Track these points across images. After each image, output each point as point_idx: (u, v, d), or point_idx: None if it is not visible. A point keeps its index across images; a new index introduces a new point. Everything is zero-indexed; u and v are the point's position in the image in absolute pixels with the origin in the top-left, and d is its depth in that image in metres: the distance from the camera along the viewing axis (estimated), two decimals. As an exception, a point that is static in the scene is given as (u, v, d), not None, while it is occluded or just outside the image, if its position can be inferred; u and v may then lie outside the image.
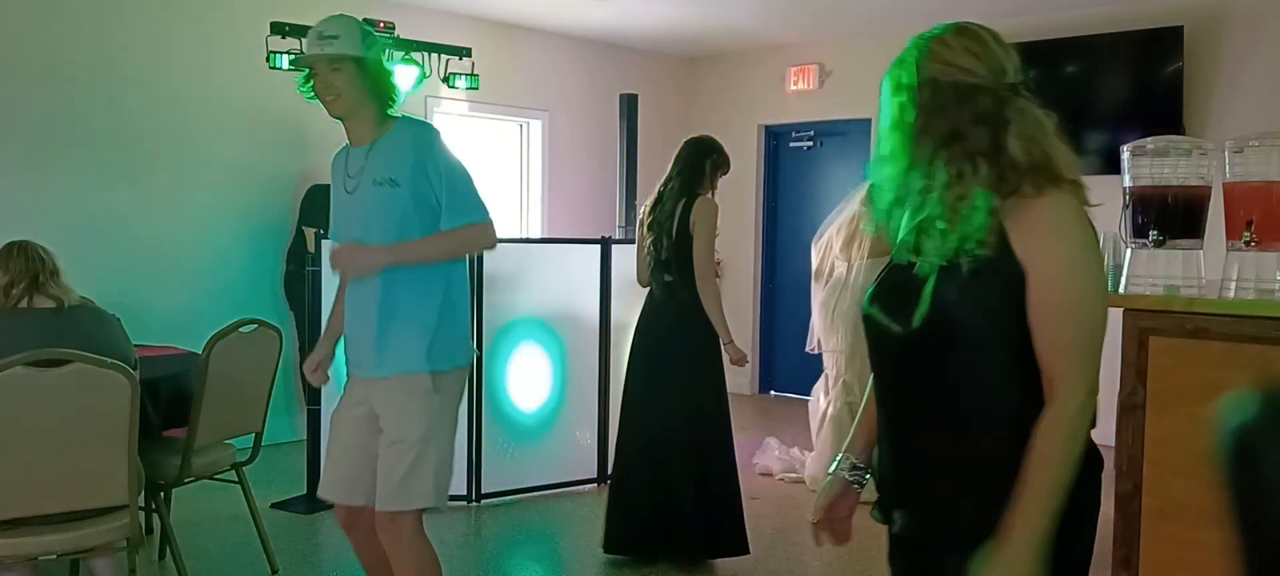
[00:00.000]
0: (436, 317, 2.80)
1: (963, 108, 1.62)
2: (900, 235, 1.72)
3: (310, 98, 2.84)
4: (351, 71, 2.75)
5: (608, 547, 4.31)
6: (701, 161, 4.28)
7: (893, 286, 1.73)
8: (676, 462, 4.18)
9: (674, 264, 4.18)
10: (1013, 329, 1.60)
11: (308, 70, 2.82)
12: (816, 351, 5.53)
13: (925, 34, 1.71)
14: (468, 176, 2.85)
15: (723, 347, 4.22)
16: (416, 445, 2.75)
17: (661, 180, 4.30)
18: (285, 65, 5.30)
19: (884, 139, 1.70)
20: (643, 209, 4.36)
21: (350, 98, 2.77)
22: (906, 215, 1.68)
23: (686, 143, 4.35)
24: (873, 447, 1.88)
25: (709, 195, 4.26)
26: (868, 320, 1.76)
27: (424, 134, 2.84)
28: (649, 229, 4.25)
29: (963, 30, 1.68)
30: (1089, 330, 1.58)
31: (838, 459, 1.92)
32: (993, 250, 1.58)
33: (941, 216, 1.61)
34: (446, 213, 2.79)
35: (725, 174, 4.39)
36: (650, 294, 4.33)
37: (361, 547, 2.97)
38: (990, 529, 1.59)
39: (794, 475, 5.54)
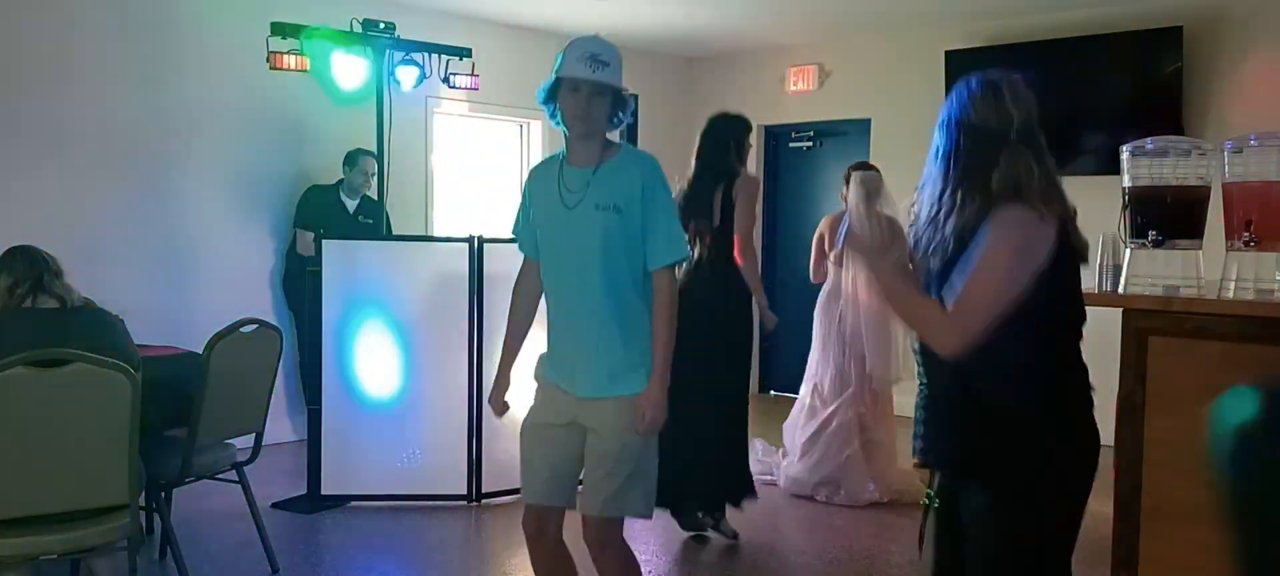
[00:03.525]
0: (649, 346, 2.89)
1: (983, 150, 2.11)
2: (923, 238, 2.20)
3: (552, 116, 2.82)
4: (610, 101, 2.80)
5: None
6: (723, 143, 4.43)
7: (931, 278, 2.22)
8: (708, 428, 4.38)
9: (716, 245, 4.34)
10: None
11: (553, 83, 2.78)
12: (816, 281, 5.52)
13: (965, 85, 2.19)
14: (675, 210, 2.95)
15: (761, 313, 4.42)
16: (633, 462, 2.85)
17: (691, 174, 4.42)
18: (289, 65, 5.30)
19: (929, 164, 2.21)
20: (675, 192, 4.48)
21: (599, 125, 2.80)
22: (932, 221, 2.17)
23: (701, 134, 4.48)
24: None
25: (745, 169, 4.43)
26: None
27: (652, 166, 2.88)
28: (683, 211, 4.34)
29: (991, 85, 2.14)
30: (986, 294, 2.06)
31: None
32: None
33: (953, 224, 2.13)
34: (661, 248, 2.85)
35: (750, 133, 4.53)
36: (687, 274, 4.42)
37: (543, 553, 3.01)
38: (987, 472, 2.13)
39: (769, 477, 5.51)
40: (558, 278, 2.91)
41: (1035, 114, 2.15)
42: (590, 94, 2.76)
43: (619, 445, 2.83)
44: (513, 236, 3.08)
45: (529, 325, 3.11)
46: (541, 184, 2.95)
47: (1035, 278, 2.04)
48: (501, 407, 3.11)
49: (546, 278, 2.96)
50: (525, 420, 3.00)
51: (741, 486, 4.59)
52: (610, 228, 2.79)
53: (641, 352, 2.87)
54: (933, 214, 2.17)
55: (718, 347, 4.40)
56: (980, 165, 2.11)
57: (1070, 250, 2.11)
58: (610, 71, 2.78)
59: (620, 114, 2.85)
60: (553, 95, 2.82)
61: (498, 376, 3.12)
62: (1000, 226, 2.07)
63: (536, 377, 3.01)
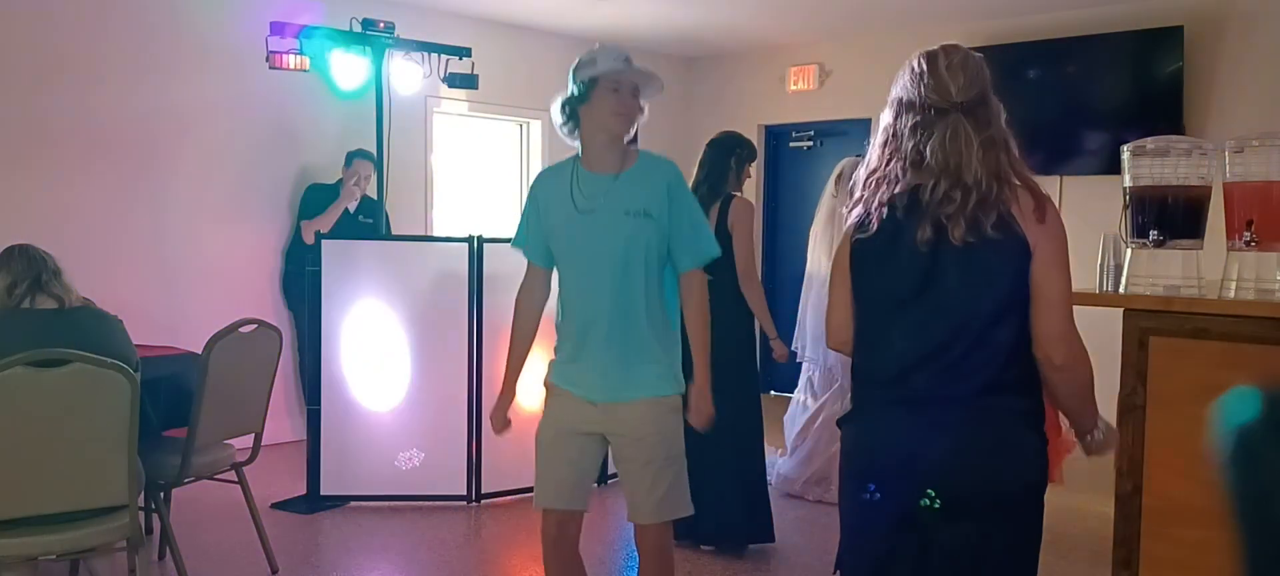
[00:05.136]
0: (676, 344, 2.91)
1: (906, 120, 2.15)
2: None
3: (568, 125, 2.82)
4: (639, 103, 2.82)
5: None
6: (725, 160, 4.39)
7: None
8: (719, 458, 4.21)
9: (712, 267, 4.24)
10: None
11: (586, 85, 2.76)
12: (802, 359, 5.43)
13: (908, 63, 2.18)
14: (700, 211, 2.97)
15: (770, 343, 4.34)
16: (675, 460, 2.86)
17: (691, 185, 4.35)
18: (289, 65, 5.30)
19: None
20: None
21: (630, 127, 2.82)
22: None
23: (707, 145, 4.46)
24: None
25: (742, 194, 4.38)
26: None
27: (674, 170, 2.89)
28: None
29: (928, 56, 2.12)
30: None
31: None
32: None
33: None
34: (693, 250, 2.88)
35: (752, 162, 4.49)
36: None
37: (560, 558, 3.00)
38: None
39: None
40: (582, 286, 2.85)
41: (980, 86, 2.10)
42: (631, 91, 2.77)
43: (664, 448, 2.83)
44: (514, 244, 3.01)
45: (534, 336, 3.05)
46: (552, 191, 2.88)
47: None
48: (503, 425, 3.07)
49: (566, 287, 2.89)
50: (543, 425, 2.96)
51: (762, 523, 4.48)
52: (644, 233, 2.77)
53: (670, 355, 2.86)
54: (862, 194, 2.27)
55: (721, 363, 4.32)
56: (914, 142, 2.14)
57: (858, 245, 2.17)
58: (638, 72, 2.80)
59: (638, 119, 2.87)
60: (578, 102, 2.77)
61: (502, 391, 3.06)
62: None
63: (547, 384, 2.96)
